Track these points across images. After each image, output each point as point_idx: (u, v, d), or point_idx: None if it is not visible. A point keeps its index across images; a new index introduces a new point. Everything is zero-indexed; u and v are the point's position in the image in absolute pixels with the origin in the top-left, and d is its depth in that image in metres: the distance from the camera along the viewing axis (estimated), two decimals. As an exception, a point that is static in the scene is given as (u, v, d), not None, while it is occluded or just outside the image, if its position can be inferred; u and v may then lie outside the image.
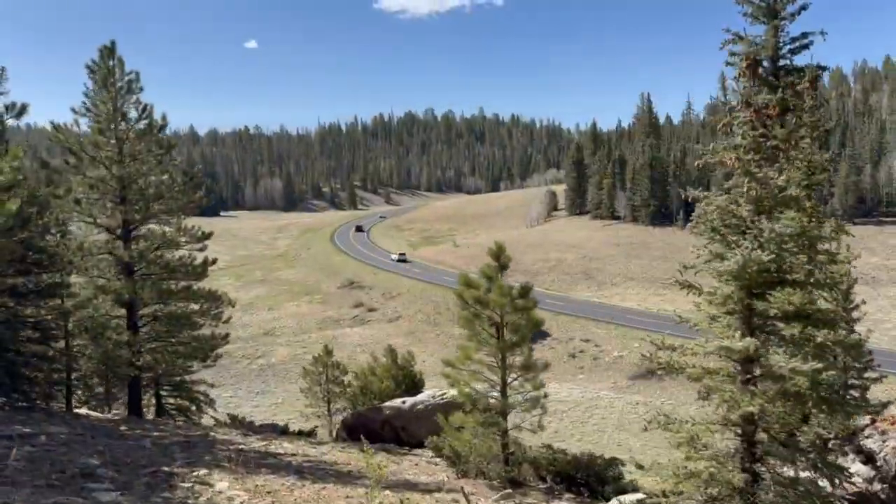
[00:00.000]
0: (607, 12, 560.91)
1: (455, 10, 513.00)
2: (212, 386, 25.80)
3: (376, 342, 66.15)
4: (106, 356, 17.81)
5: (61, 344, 19.13)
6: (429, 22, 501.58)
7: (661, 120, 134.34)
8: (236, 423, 19.87)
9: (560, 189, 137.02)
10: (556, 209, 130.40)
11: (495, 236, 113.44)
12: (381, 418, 15.70)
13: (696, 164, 15.82)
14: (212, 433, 14.43)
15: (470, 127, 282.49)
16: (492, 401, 10.33)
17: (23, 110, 11.50)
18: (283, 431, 17.55)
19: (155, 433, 13.80)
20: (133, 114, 18.07)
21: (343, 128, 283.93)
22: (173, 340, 19.10)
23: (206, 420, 26.76)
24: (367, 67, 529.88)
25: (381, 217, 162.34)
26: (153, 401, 23.80)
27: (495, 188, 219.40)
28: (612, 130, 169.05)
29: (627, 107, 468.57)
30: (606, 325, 59.85)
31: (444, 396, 16.09)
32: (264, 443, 13.53)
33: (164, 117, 18.80)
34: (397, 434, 15.55)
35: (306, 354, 61.59)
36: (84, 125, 23.64)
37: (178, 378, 21.77)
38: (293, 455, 12.06)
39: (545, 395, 10.14)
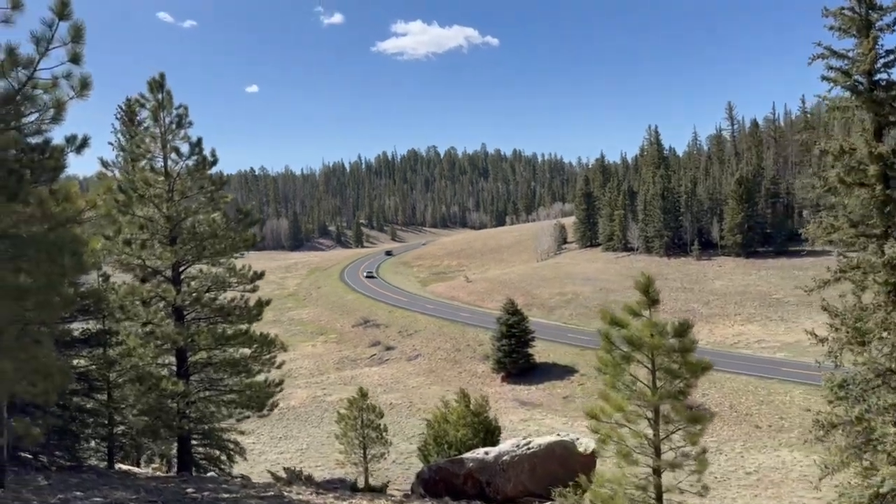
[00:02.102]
0: (605, 47, 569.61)
1: (452, 51, 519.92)
2: (242, 434, 24.41)
3: (396, 381, 64.50)
4: (155, 408, 16.55)
5: (104, 396, 17.90)
6: (427, 63, 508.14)
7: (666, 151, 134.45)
8: (293, 476, 18.44)
9: (569, 222, 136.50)
10: (566, 242, 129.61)
11: (506, 271, 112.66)
12: (464, 472, 14.39)
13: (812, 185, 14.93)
14: (284, 492, 13.11)
15: (473, 163, 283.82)
16: (642, 457, 9.08)
17: (84, 143, 10.47)
18: (354, 488, 16.19)
19: (224, 494, 12.50)
20: (184, 149, 17.16)
21: (347, 167, 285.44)
22: (225, 389, 17.84)
23: (237, 470, 25.24)
24: (369, 108, 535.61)
25: (386, 253, 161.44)
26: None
27: (501, 222, 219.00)
28: (618, 163, 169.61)
29: (629, 139, 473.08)
30: (635, 360, 58.16)
31: (530, 446, 14.79)
32: (345, 503, 12.21)
33: (213, 153, 17.91)
34: (482, 489, 14.23)
35: (326, 396, 59.96)
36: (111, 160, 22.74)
37: (206, 426, 20.48)
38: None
39: (704, 451, 8.89)
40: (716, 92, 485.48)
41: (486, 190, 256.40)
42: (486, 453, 14.86)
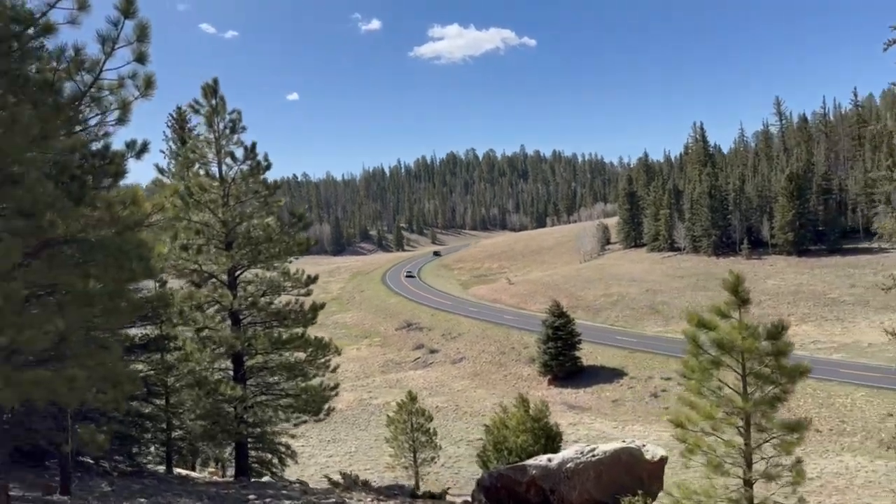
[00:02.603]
0: (645, 44, 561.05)
1: (489, 53, 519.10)
2: (293, 437, 24.31)
3: (441, 385, 64.19)
4: (212, 412, 16.50)
5: (162, 401, 17.96)
6: (464, 66, 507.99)
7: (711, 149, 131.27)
8: (351, 482, 18.22)
9: (612, 222, 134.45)
10: (609, 243, 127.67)
11: (548, 272, 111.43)
12: (526, 479, 13.90)
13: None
14: (346, 499, 12.84)
15: (512, 165, 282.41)
16: (733, 467, 8.47)
17: (144, 148, 10.33)
18: (413, 494, 15.85)
19: (286, 501, 12.32)
20: (238, 153, 17.12)
21: (387, 171, 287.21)
22: (281, 393, 17.72)
23: (288, 473, 25.17)
24: (408, 112, 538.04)
25: (434, 254, 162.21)
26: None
27: (541, 224, 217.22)
28: (662, 161, 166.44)
29: (672, 137, 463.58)
30: (686, 362, 56.59)
31: (595, 453, 14.22)
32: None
33: (266, 157, 17.83)
34: (546, 497, 13.72)
35: (372, 399, 60.02)
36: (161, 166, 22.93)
37: (259, 430, 20.42)
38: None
39: (799, 462, 8.26)
40: (761, 87, 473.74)
41: (526, 191, 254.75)
42: (549, 460, 14.34)
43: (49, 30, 7.16)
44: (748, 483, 8.48)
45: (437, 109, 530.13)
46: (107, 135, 8.14)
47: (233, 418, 16.45)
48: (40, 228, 7.32)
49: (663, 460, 15.50)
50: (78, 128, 7.85)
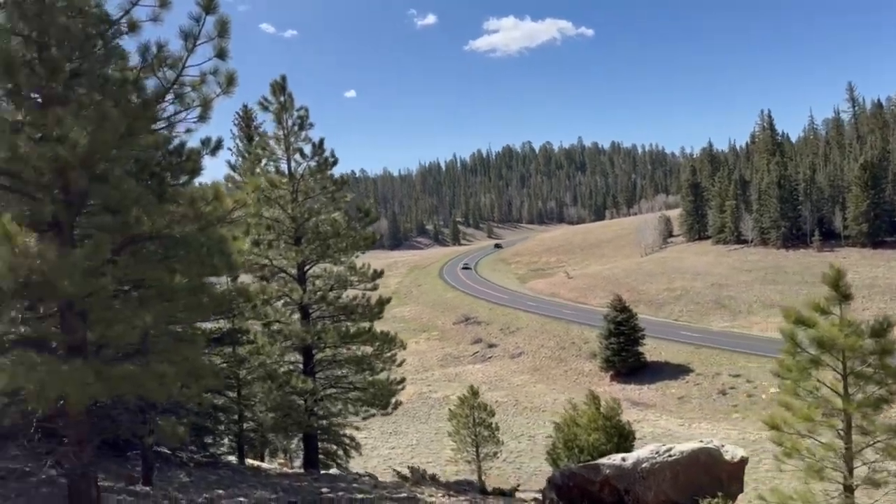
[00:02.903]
0: (706, 31, 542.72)
1: (545, 44, 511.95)
2: (357, 429, 24.47)
3: (500, 379, 63.89)
4: (283, 405, 16.74)
5: (234, 393, 18.35)
6: (520, 59, 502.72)
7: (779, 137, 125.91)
8: (419, 476, 18.23)
9: (674, 214, 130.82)
10: (671, 235, 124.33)
11: (608, 266, 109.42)
12: (600, 479, 13.53)
13: None
14: (417, 494, 12.79)
15: (569, 157, 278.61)
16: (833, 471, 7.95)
17: (218, 145, 10.37)
18: (483, 490, 15.71)
19: (359, 495, 12.36)
20: (306, 150, 17.27)
21: (443, 166, 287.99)
22: (350, 386, 17.84)
23: (351, 465, 25.39)
24: (463, 107, 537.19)
25: (495, 246, 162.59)
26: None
27: (600, 217, 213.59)
28: (727, 151, 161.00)
29: (737, 126, 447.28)
30: (758, 359, 54.58)
31: (672, 453, 13.72)
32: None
33: (333, 153, 17.94)
34: (620, 497, 13.33)
35: (432, 393, 60.25)
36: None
37: (325, 421, 20.62)
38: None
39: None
40: (831, 73, 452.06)
41: (584, 184, 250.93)
42: (624, 459, 13.92)
43: (133, 28, 7.26)
44: (849, 489, 7.92)
45: (493, 103, 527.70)
46: (189, 131, 8.23)
47: (303, 411, 16.66)
48: (126, 224, 7.45)
49: (743, 461, 14.87)
50: (161, 125, 7.96)
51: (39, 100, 7.21)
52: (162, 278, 7.30)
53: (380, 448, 44.48)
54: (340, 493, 12.43)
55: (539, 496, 15.61)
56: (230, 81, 7.84)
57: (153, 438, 10.97)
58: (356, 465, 28.84)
